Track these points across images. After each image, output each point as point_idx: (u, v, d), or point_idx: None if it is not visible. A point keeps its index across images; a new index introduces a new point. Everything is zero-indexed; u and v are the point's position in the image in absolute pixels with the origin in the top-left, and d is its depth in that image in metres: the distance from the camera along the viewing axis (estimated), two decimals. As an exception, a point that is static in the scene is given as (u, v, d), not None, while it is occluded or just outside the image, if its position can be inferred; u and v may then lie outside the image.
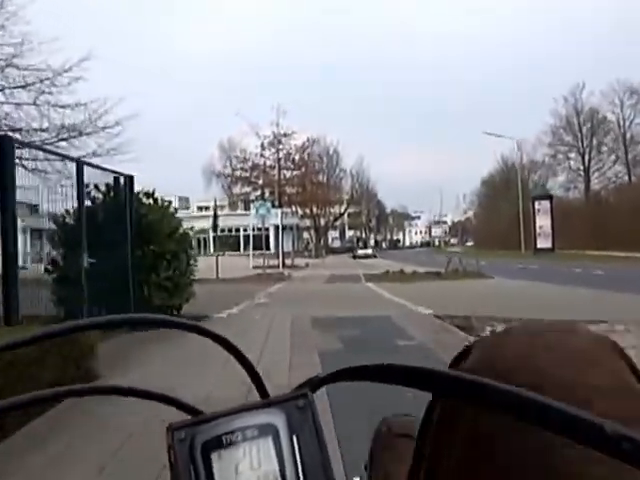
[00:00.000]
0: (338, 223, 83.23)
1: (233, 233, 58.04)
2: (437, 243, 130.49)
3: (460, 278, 20.29)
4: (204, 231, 66.49)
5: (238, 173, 31.55)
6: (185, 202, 77.77)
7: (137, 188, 10.06)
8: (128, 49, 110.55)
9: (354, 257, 57.30)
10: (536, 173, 75.00)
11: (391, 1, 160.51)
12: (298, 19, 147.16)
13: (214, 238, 62.84)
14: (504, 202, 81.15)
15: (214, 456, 0.36)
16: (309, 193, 31.96)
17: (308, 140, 32.15)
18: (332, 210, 78.70)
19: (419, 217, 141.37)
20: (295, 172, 32.18)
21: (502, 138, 43.48)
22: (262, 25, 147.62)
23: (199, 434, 0.36)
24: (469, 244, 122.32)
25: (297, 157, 32.41)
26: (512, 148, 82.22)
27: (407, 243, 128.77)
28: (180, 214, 13.99)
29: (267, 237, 61.60)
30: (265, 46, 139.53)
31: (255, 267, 30.30)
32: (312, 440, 0.36)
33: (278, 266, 30.52)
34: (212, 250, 62.49)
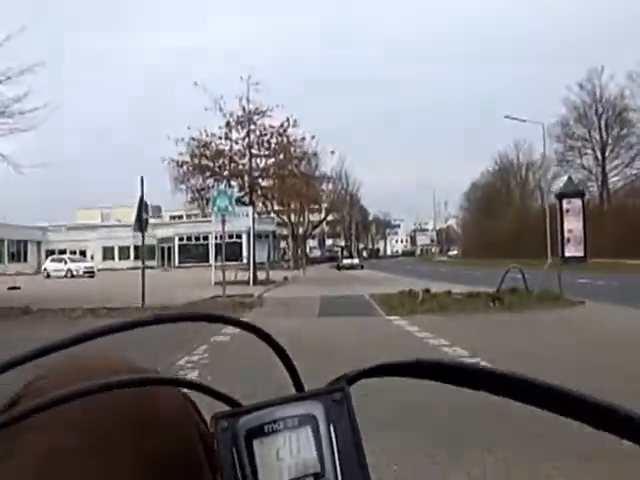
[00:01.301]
0: (317, 231, 75.64)
1: (201, 242, 49.83)
2: (421, 252, 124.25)
3: (537, 305, 12.71)
4: (168, 239, 58.23)
5: (196, 161, 23.68)
6: (157, 211, 69.13)
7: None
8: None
9: (338, 268, 49.48)
10: (537, 171, 68.22)
11: None
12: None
13: (179, 248, 54.99)
14: (502, 205, 74.55)
15: (256, 443, 0.36)
16: (289, 186, 23.95)
17: (288, 120, 24.22)
18: (311, 217, 71.14)
19: (399, 225, 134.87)
20: (271, 160, 24.18)
21: (521, 123, 35.81)
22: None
23: (242, 423, 0.37)
24: (452, 253, 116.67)
25: (273, 141, 24.54)
26: (509, 146, 75.94)
27: (388, 252, 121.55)
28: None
29: (240, 246, 53.85)
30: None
31: (218, 283, 22.48)
32: (348, 431, 0.37)
33: (248, 282, 22.58)
34: (177, 261, 54.31)
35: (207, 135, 23.88)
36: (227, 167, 24.07)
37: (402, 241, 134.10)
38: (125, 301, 13.81)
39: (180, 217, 58.68)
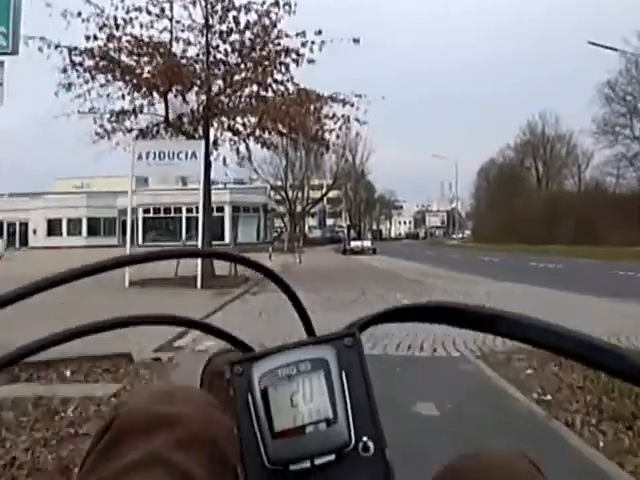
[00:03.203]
0: (317, 209, 65.68)
1: (172, 214, 39.75)
2: (425, 234, 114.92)
3: None
4: (133, 211, 47.06)
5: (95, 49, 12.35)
6: (144, 183, 58.35)
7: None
8: None
9: (344, 252, 39.39)
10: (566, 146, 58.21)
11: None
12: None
13: (144, 222, 44.50)
14: (524, 185, 64.71)
15: (270, 388, 0.37)
16: (275, 104, 13.24)
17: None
18: (311, 194, 61.12)
19: (401, 207, 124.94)
20: (248, 62, 12.94)
21: (608, 51, 26.01)
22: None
23: (256, 368, 0.37)
24: (456, 236, 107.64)
25: (251, 21, 13.04)
26: (532, 117, 65.65)
27: (392, 234, 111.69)
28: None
29: (221, 222, 43.81)
30: None
31: (135, 284, 12.77)
32: (359, 376, 0.37)
33: (195, 282, 12.76)
34: (140, 239, 43.95)
35: (125, 11, 12.86)
36: (163, 71, 13.05)
37: (406, 223, 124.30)
38: None
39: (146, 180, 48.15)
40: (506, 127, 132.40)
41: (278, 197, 58.95)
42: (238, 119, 14.00)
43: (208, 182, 14.53)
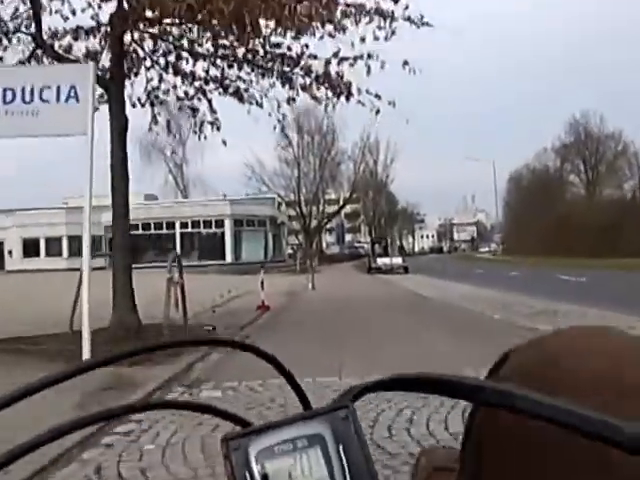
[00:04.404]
0: (334, 224, 58.63)
1: (165, 231, 32.75)
2: (449, 249, 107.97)
3: None
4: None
5: None
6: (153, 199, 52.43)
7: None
8: None
9: (369, 271, 31.93)
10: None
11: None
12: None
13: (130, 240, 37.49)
14: (567, 192, 57.12)
15: (268, 464, 0.36)
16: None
17: None
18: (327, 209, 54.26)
19: (423, 220, 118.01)
20: None
21: None
22: None
23: (252, 444, 0.37)
24: (483, 250, 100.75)
25: None
26: (574, 118, 57.90)
27: (415, 249, 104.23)
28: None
29: (221, 239, 36.82)
30: None
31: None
32: (356, 447, 0.37)
33: (81, 351, 5.57)
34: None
35: None
36: None
37: (430, 236, 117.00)
38: None
39: (156, 197, 41.06)
40: (533, 134, 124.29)
41: (292, 212, 52.43)
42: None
43: (125, 163, 7.81)
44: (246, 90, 9.40)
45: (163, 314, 7.05)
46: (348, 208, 61.57)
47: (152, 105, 9.59)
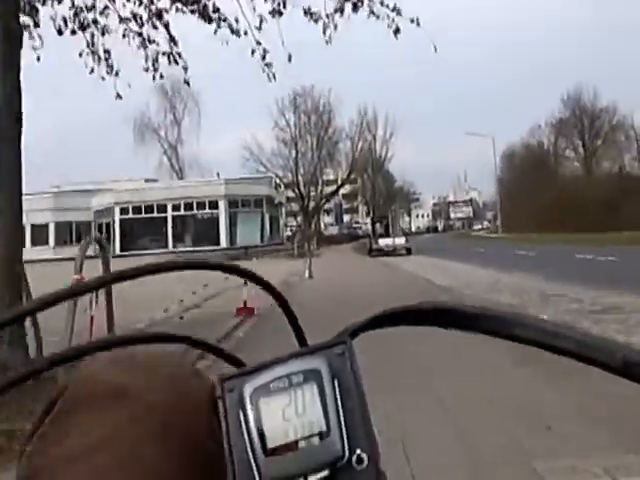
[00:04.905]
0: (333, 204, 57.29)
1: (155, 214, 31.25)
2: (444, 227, 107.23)
3: None
4: (108, 212, 32.78)
5: None
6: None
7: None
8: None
9: (370, 252, 30.71)
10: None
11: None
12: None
13: (121, 225, 35.36)
14: (563, 167, 55.89)
15: (262, 403, 0.36)
16: None
17: None
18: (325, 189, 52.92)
19: (418, 199, 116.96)
20: None
21: None
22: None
23: (247, 383, 0.37)
24: (476, 227, 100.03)
25: None
26: (567, 93, 56.47)
27: (412, 228, 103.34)
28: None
29: (215, 222, 35.28)
30: None
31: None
32: (351, 385, 0.37)
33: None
34: (118, 247, 35.01)
35: None
36: None
37: (424, 216, 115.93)
38: None
39: (155, 180, 39.45)
40: (527, 110, 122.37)
41: (290, 194, 51.13)
42: None
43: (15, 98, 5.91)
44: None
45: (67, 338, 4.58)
46: (346, 188, 60.27)
47: (83, 30, 7.34)
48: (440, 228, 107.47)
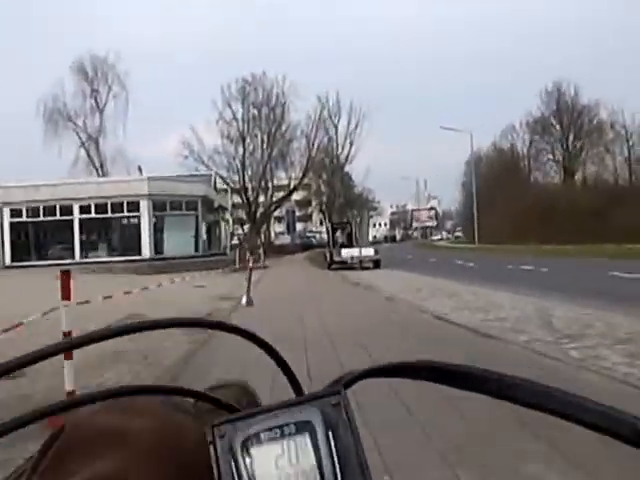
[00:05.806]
0: (284, 210, 51.33)
1: (59, 217, 24.49)
2: (402, 237, 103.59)
3: None
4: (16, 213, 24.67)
5: None
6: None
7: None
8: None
9: (331, 266, 24.77)
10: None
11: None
12: None
13: (11, 230, 27.83)
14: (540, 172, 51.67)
15: (254, 451, 0.35)
16: None
17: None
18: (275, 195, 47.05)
19: (376, 208, 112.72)
20: None
21: None
22: None
23: (239, 431, 0.35)
24: (436, 237, 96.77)
25: None
26: (544, 91, 52.17)
27: (370, 238, 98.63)
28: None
29: (137, 227, 28.36)
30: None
31: None
32: (347, 436, 0.35)
33: None
34: (8, 257, 27.18)
35: None
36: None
37: (381, 225, 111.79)
38: None
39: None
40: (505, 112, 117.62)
41: (237, 199, 45.01)
42: None
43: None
44: None
45: None
46: (300, 194, 54.46)
47: None
48: (398, 238, 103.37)
